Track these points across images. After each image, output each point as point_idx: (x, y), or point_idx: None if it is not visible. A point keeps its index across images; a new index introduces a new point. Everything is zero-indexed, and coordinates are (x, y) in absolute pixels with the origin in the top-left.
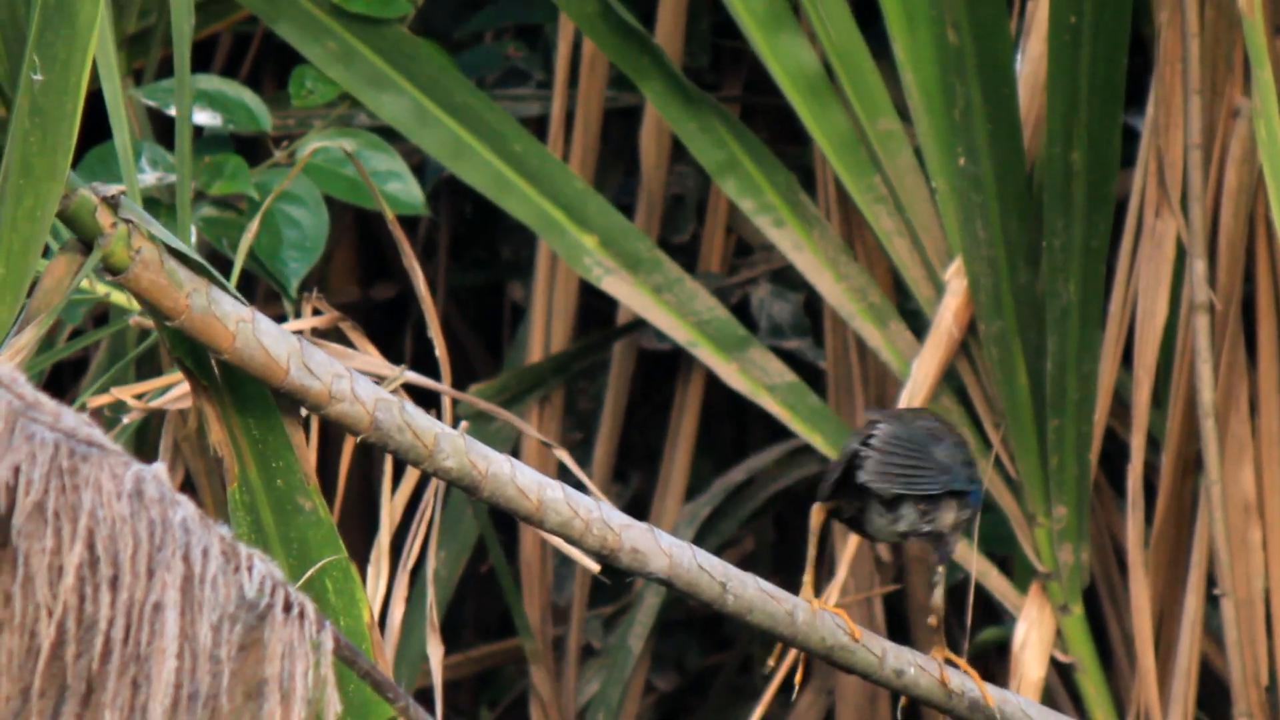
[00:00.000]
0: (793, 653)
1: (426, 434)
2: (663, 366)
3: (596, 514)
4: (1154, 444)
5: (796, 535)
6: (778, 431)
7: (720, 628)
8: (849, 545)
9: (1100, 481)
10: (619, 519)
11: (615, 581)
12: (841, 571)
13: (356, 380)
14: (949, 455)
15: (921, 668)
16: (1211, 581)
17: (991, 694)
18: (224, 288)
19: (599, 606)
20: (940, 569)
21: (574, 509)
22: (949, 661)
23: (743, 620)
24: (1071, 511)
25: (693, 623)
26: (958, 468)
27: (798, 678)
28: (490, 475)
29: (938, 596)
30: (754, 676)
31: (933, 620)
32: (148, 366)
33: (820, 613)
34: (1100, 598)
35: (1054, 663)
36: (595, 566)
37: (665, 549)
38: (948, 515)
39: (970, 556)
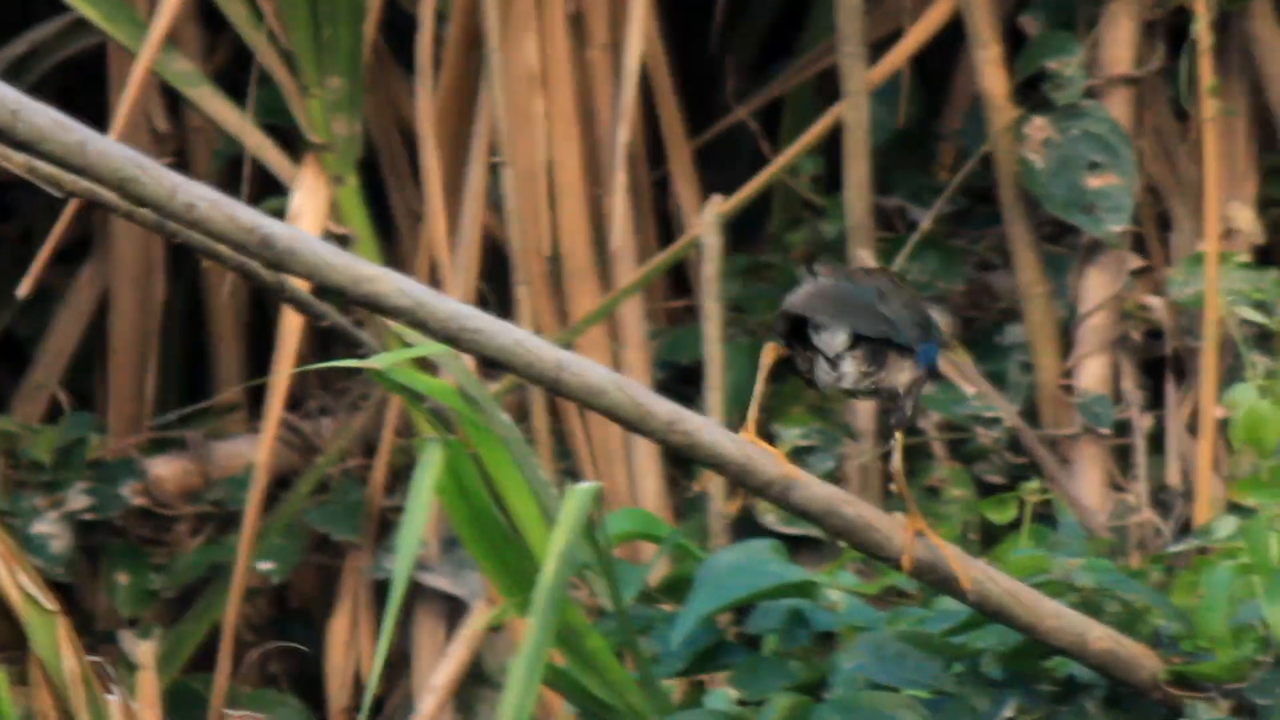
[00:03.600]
0: (72, 207)
1: None
2: None
3: None
4: (444, 18)
5: (82, 108)
6: (61, 5)
7: (4, 198)
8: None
9: (386, 55)
10: None
11: None
12: None
13: None
14: (896, 312)
15: (214, 204)
16: (495, 152)
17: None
18: None
19: None
20: (897, 434)
21: None
22: (921, 534)
23: (36, 150)
24: (345, 83)
25: None
26: (906, 325)
27: None
28: None
29: (895, 462)
30: (35, 247)
31: (894, 487)
32: None
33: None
34: (382, 170)
35: (335, 237)
36: None
37: None
38: (898, 374)
39: (245, 128)
